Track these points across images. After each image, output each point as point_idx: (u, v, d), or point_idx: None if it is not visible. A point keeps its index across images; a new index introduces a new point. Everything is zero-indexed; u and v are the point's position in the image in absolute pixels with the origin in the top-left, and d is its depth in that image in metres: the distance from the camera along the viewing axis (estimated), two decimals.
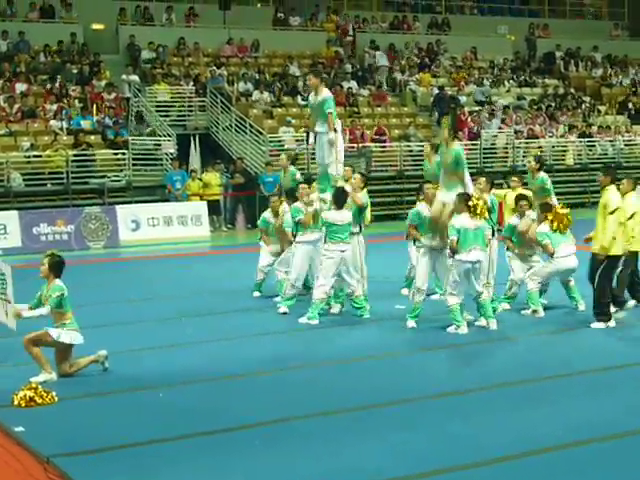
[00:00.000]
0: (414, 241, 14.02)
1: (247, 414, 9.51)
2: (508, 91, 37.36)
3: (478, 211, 13.13)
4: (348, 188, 14.69)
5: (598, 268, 13.44)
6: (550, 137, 33.92)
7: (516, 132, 33.29)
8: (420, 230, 13.73)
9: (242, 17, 36.08)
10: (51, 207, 24.68)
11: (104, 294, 16.88)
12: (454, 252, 13.05)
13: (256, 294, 16.34)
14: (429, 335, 13.23)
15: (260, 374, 11.19)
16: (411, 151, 30.73)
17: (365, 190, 15.11)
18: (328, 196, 14.55)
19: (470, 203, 13.17)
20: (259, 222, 16.82)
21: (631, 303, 14.01)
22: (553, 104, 36.69)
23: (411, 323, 13.63)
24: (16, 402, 9.75)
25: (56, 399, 9.90)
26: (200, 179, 27.19)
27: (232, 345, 12.84)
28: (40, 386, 10.02)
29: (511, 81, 38.24)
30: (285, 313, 14.56)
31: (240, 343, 12.93)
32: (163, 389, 10.47)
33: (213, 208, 26.83)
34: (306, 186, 15.28)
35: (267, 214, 16.33)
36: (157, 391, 10.39)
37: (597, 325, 13.29)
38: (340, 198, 14.10)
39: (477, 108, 34.12)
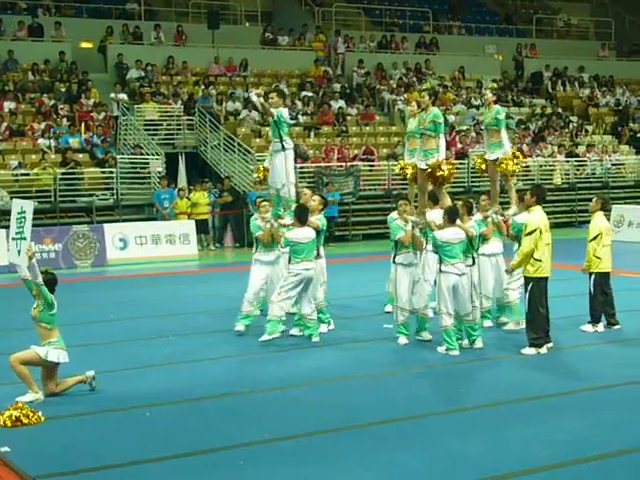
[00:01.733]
0: (393, 258, 13.92)
1: (233, 434, 9.49)
2: None
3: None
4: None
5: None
6: (537, 157, 34.02)
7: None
8: (396, 247, 13.68)
9: (231, 36, 36.18)
10: (39, 225, 24.58)
11: (91, 313, 16.86)
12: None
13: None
14: (417, 354, 13.21)
15: (245, 394, 11.15)
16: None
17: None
18: (287, 220, 14.40)
19: (458, 222, 13.29)
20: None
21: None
22: (540, 123, 36.84)
23: (403, 340, 13.67)
24: (2, 422, 9.71)
25: (42, 419, 9.86)
26: (188, 198, 27.20)
27: (218, 365, 12.81)
28: (26, 406, 9.98)
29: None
30: (240, 331, 14.50)
31: (226, 362, 12.92)
32: (149, 409, 10.44)
33: (201, 227, 26.83)
34: (266, 203, 15.02)
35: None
36: (143, 411, 10.37)
37: (528, 351, 12.99)
38: (302, 216, 14.00)
39: (465, 127, 34.20)
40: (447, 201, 14.40)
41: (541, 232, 12.84)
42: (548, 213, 13.96)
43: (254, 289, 14.68)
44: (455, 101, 36.54)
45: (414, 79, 37.79)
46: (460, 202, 14.04)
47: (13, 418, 9.72)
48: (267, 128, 31.36)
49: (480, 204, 15.05)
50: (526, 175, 33.19)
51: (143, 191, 27.93)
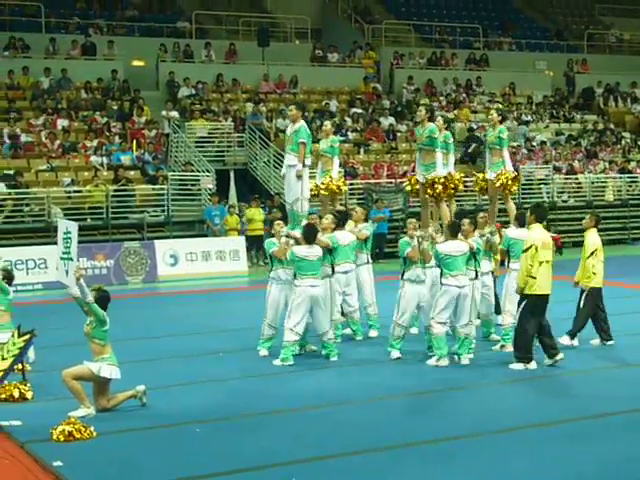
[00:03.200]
0: (402, 275, 13.96)
1: (284, 451, 9.48)
2: (547, 127, 37.28)
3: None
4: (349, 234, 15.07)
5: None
6: (589, 173, 33.73)
7: (555, 168, 33.16)
8: (405, 264, 13.82)
9: (281, 54, 36.35)
10: (91, 242, 24.85)
11: (142, 329, 16.97)
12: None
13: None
14: (454, 373, 13.10)
15: (295, 410, 11.17)
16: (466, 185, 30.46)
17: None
18: (297, 233, 14.20)
19: (460, 235, 13.56)
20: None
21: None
22: (592, 139, 36.57)
23: (396, 354, 13.84)
24: (55, 437, 9.79)
25: (94, 434, 9.92)
26: (239, 214, 27.31)
27: (266, 382, 12.83)
28: (79, 421, 10.05)
29: (549, 116, 38.15)
30: (265, 356, 14.19)
31: (275, 380, 12.92)
32: (200, 425, 10.46)
33: (256, 243, 26.79)
34: (280, 222, 14.90)
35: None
36: (194, 427, 10.39)
37: (515, 366, 13.06)
38: (310, 234, 13.85)
39: (516, 144, 34.04)
40: (447, 215, 14.61)
41: (537, 249, 12.88)
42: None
43: (273, 310, 14.33)
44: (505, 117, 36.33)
45: (464, 95, 37.71)
46: (467, 219, 14.13)
47: (66, 433, 9.79)
48: (317, 145, 31.54)
49: (478, 222, 14.93)
50: (578, 192, 32.99)
51: (193, 208, 28.09)
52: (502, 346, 14.37)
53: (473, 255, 13.74)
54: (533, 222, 13.27)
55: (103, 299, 11.11)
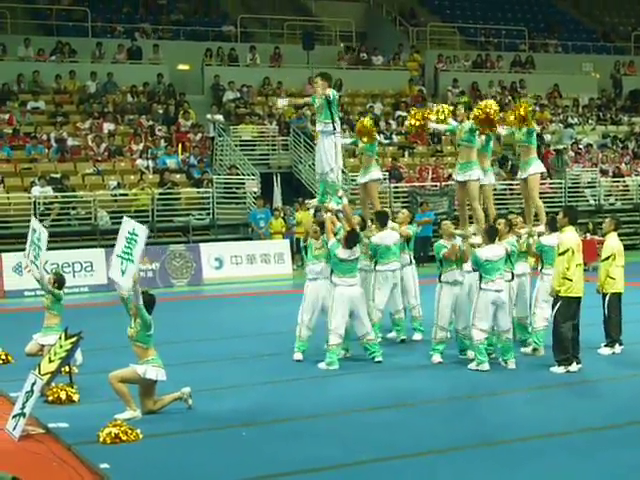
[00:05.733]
0: (439, 278, 13.97)
1: (328, 455, 9.45)
2: (593, 129, 36.95)
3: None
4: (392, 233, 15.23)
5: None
6: (636, 176, 33.39)
7: (602, 171, 32.88)
8: (442, 266, 13.86)
9: (325, 57, 36.33)
10: None
11: (187, 332, 17.02)
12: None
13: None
14: (496, 379, 12.99)
15: (335, 414, 11.16)
16: (495, 189, 30.39)
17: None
18: (332, 205, 14.02)
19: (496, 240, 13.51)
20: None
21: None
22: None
23: (437, 358, 13.84)
24: (101, 439, 9.84)
25: (141, 436, 9.96)
26: (284, 218, 27.35)
27: (311, 385, 12.85)
28: (125, 423, 10.10)
29: (595, 119, 37.81)
30: (299, 360, 14.14)
31: (319, 383, 12.92)
32: (245, 428, 10.46)
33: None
34: (318, 228, 14.55)
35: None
36: (239, 430, 10.40)
37: (556, 370, 13.05)
38: (352, 239, 13.75)
39: (562, 147, 33.78)
40: (481, 217, 14.66)
41: (573, 252, 12.92)
42: None
43: (310, 310, 14.28)
44: (551, 120, 36.12)
45: (509, 98, 37.46)
46: (503, 220, 14.09)
47: (112, 435, 9.84)
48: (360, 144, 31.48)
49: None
50: (625, 195, 32.66)
51: (238, 211, 28.17)
52: (534, 349, 14.32)
53: (508, 257, 13.72)
54: (566, 224, 13.28)
55: (149, 302, 11.17)
